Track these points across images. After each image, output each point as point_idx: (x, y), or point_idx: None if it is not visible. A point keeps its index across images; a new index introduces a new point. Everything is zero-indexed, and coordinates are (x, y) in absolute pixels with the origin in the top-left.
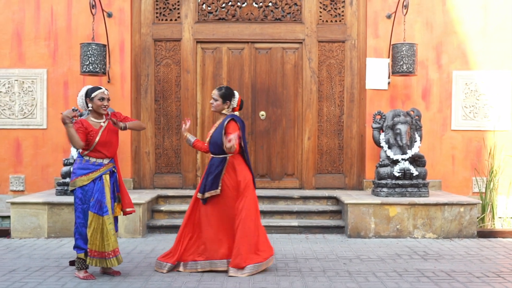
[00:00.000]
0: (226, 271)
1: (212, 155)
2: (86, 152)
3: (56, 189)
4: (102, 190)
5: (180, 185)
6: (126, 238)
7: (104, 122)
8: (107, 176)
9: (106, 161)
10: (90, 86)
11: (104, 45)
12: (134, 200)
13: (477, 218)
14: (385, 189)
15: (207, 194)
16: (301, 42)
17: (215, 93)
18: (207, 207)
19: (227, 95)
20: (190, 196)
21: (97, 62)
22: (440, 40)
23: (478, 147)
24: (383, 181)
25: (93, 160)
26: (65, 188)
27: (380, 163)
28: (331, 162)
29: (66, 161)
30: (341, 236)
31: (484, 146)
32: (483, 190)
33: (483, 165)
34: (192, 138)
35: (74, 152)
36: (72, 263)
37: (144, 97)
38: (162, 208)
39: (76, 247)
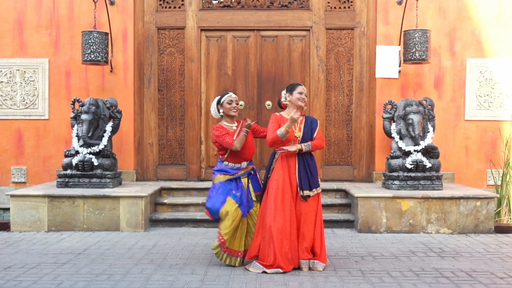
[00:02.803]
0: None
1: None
2: (225, 157)
3: (57, 181)
4: (243, 189)
5: (184, 177)
6: (128, 232)
7: (236, 127)
8: (245, 179)
9: (244, 164)
10: (219, 96)
11: (106, 33)
12: (136, 193)
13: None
14: (396, 182)
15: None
16: (308, 30)
17: (305, 89)
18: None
19: None
20: (194, 189)
21: (99, 50)
22: (454, 27)
23: (493, 138)
24: (395, 174)
25: (231, 165)
26: (66, 180)
27: (392, 154)
28: (339, 153)
29: (67, 152)
30: (351, 230)
31: (499, 137)
32: (499, 183)
33: (498, 157)
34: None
35: (75, 143)
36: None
37: (147, 87)
38: (166, 201)
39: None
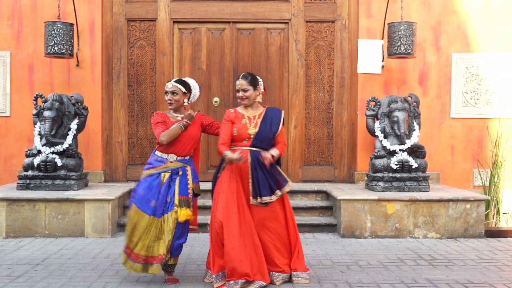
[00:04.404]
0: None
1: (254, 149)
2: (158, 146)
3: (17, 183)
4: (151, 188)
5: None
6: (94, 238)
7: (182, 117)
8: (166, 175)
9: (172, 157)
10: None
11: (71, 24)
12: (103, 195)
13: None
14: (381, 183)
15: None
16: (287, 22)
17: (243, 83)
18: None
19: (255, 81)
20: None
21: (63, 42)
22: (439, 20)
23: (479, 137)
24: (379, 174)
25: (159, 154)
26: (27, 181)
27: (375, 154)
28: (320, 152)
29: (28, 151)
30: (333, 235)
31: (487, 135)
32: (486, 183)
33: (486, 156)
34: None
35: (37, 143)
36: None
37: (116, 82)
38: None
39: None
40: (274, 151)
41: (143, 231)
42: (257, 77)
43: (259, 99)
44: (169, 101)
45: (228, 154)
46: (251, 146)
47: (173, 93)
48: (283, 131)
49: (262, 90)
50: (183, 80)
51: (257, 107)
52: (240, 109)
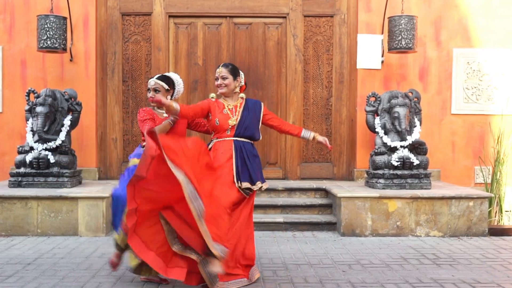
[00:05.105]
0: None
1: (238, 139)
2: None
3: (9, 181)
4: None
5: None
6: (87, 237)
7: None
8: None
9: None
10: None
11: (65, 18)
12: (97, 193)
13: None
14: (381, 180)
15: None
16: (285, 17)
17: (223, 70)
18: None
19: (236, 71)
20: None
21: (56, 37)
22: (439, 15)
23: (481, 133)
24: (380, 171)
25: None
26: (19, 179)
27: (376, 150)
28: (318, 149)
29: (20, 148)
30: (333, 234)
31: (489, 132)
32: (488, 181)
33: (487, 153)
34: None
35: (29, 139)
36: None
37: (110, 78)
38: None
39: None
40: (316, 135)
41: None
42: (238, 69)
43: (237, 90)
44: (150, 99)
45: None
46: (234, 136)
47: (155, 90)
48: (273, 114)
49: (243, 83)
50: (166, 76)
51: (237, 99)
52: (221, 100)
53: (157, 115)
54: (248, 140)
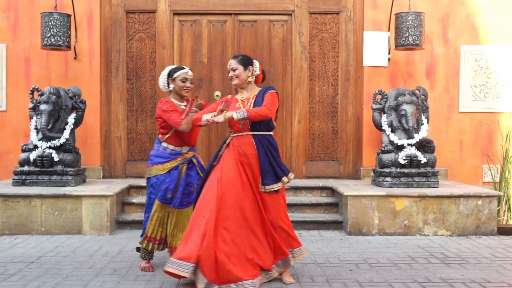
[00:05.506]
0: None
1: (256, 133)
2: (165, 137)
3: (13, 179)
4: (175, 180)
5: None
6: (91, 235)
7: (186, 106)
8: (184, 167)
9: (185, 149)
10: (173, 66)
11: (69, 15)
12: (101, 191)
13: None
14: (388, 179)
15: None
16: (290, 14)
17: (232, 62)
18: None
19: (246, 61)
20: None
21: (60, 34)
22: (447, 11)
23: (489, 131)
24: (386, 170)
25: (171, 148)
26: (23, 177)
27: (383, 149)
28: (324, 148)
29: (24, 146)
30: (340, 233)
31: (497, 130)
32: (496, 180)
33: (495, 151)
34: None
35: (33, 137)
36: (138, 249)
37: (115, 76)
38: (134, 200)
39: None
40: (238, 113)
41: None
42: (252, 59)
43: (251, 80)
44: (186, 89)
45: (208, 116)
46: (251, 131)
47: (191, 82)
48: (271, 97)
49: (258, 73)
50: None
51: (252, 90)
52: (237, 95)
53: (177, 106)
54: (266, 132)
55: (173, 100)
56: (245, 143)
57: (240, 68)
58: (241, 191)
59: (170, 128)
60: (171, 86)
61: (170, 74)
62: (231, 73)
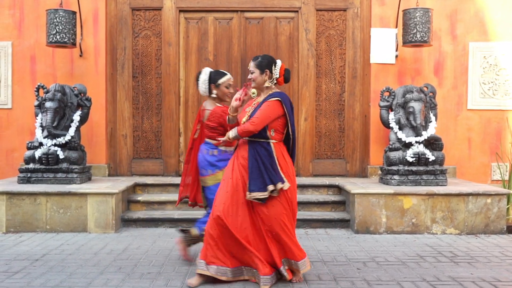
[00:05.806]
0: None
1: (251, 139)
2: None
3: (18, 177)
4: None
5: (161, 171)
6: (97, 233)
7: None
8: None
9: (229, 149)
10: (210, 69)
11: (74, 12)
12: (106, 189)
13: None
14: (396, 177)
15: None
16: (297, 11)
17: (251, 64)
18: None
19: (264, 64)
20: (171, 184)
21: (66, 31)
22: (455, 8)
23: (498, 129)
24: (394, 167)
25: (224, 149)
26: (28, 175)
27: (390, 146)
28: (331, 146)
29: (30, 144)
30: (347, 231)
31: (506, 127)
32: (505, 178)
33: (505, 149)
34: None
35: (39, 135)
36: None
37: (120, 73)
38: (140, 198)
39: None
40: (231, 132)
41: None
42: (271, 61)
43: (268, 84)
44: (230, 95)
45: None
46: (249, 136)
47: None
48: (264, 108)
49: (278, 76)
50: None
51: (266, 94)
52: (258, 97)
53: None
54: (262, 140)
55: (218, 104)
56: (243, 147)
57: (257, 72)
58: (230, 191)
59: (224, 132)
60: (214, 92)
61: (213, 80)
62: (249, 76)
